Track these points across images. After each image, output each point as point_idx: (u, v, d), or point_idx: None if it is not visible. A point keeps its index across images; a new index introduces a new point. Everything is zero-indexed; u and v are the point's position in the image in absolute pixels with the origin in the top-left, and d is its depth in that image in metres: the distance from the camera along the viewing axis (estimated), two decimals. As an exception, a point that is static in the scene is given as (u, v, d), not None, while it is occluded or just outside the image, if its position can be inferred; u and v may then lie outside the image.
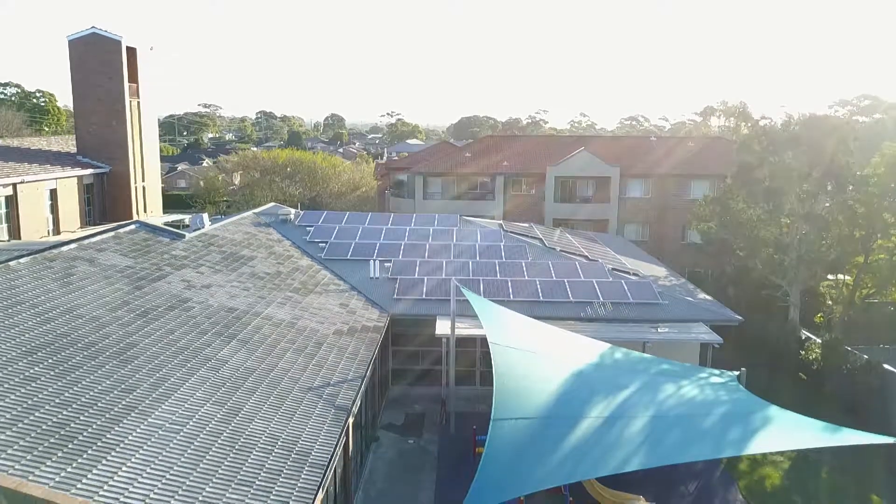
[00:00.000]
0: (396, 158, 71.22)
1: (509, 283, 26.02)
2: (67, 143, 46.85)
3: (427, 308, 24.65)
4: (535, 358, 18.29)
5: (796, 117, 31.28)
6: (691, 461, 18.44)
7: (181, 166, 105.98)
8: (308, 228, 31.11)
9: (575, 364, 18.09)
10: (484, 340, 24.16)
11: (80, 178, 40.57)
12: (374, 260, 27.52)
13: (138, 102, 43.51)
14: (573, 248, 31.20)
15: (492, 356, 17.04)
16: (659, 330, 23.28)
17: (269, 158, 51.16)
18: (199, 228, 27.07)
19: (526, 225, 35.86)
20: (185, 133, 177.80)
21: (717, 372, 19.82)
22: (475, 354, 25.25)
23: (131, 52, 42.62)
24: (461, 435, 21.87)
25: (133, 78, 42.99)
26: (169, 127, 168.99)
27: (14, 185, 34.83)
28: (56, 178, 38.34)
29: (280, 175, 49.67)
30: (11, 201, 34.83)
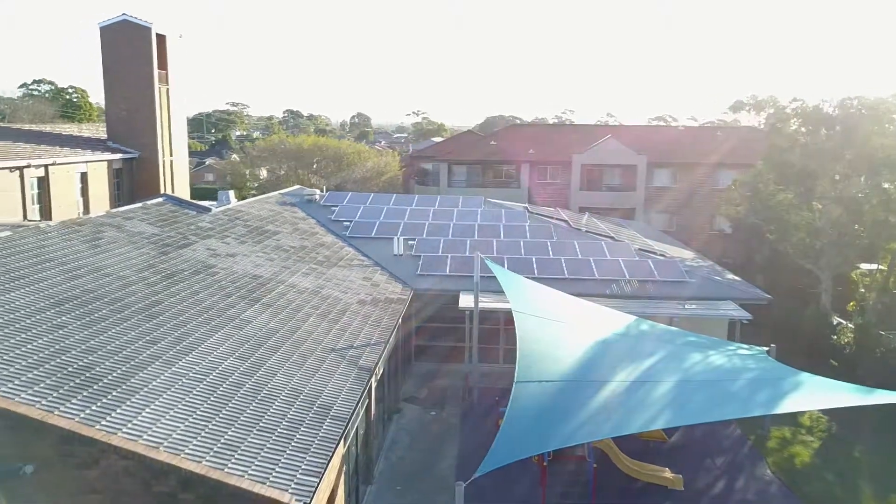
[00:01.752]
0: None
1: (534, 261, 25.79)
2: (98, 130, 47.56)
3: (450, 284, 24.54)
4: (558, 326, 18.09)
5: (830, 99, 30.63)
6: (719, 420, 18.19)
7: (209, 161, 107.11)
8: (333, 208, 31.19)
9: (599, 333, 17.87)
10: (508, 318, 24.06)
11: (109, 162, 41.14)
12: (398, 238, 27.46)
13: (167, 89, 43.99)
14: (599, 230, 30.87)
15: (515, 324, 16.88)
16: (686, 307, 22.89)
17: (294, 144, 51.48)
18: (225, 205, 27.24)
19: (551, 209, 35.59)
20: (212, 130, 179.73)
21: (745, 346, 19.45)
22: (498, 332, 25.07)
23: (161, 39, 43.10)
24: (483, 408, 21.72)
25: (162, 65, 43.45)
26: (197, 124, 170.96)
27: (46, 166, 35.42)
28: (86, 162, 38.94)
29: (306, 168, 49.88)
30: (44, 183, 35.41)
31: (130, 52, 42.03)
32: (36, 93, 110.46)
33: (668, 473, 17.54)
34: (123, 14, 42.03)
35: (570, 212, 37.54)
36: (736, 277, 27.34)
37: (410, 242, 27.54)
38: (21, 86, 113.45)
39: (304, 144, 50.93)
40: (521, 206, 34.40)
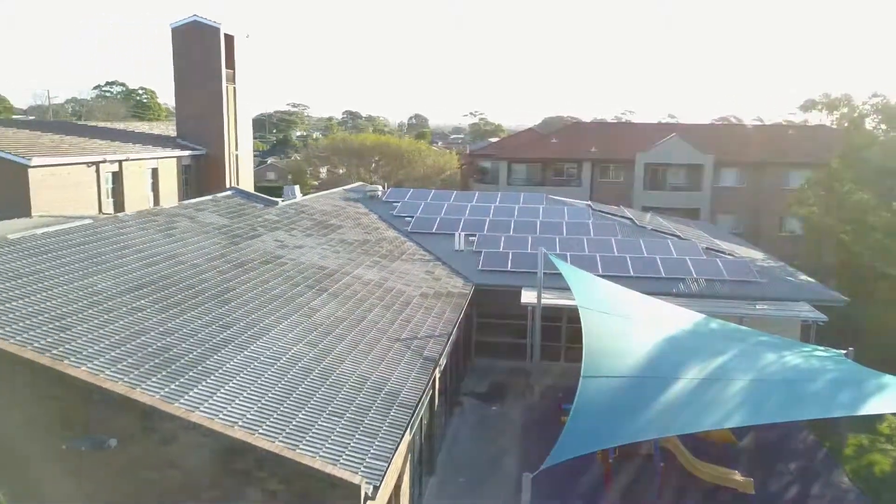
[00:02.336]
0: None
1: (598, 258, 25.41)
2: (168, 129, 49.20)
3: (512, 279, 24.37)
4: (625, 322, 17.74)
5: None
6: (799, 419, 17.56)
7: (270, 160, 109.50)
8: (394, 204, 31.42)
9: (667, 330, 17.44)
10: (570, 315, 23.78)
11: (178, 158, 42.50)
12: (459, 233, 27.45)
13: (234, 88, 45.15)
14: (665, 228, 30.21)
15: (581, 319, 16.61)
16: (757, 307, 22.16)
17: (356, 141, 52.19)
18: (291, 199, 27.76)
19: (615, 207, 35.03)
20: (274, 131, 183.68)
21: (821, 348, 18.69)
22: (560, 330, 24.78)
23: (229, 39, 44.26)
24: (546, 405, 21.47)
25: (230, 64, 44.62)
26: (259, 124, 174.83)
27: (120, 162, 36.81)
28: (157, 158, 40.31)
29: (366, 167, 50.51)
30: (118, 177, 36.81)
31: (200, 51, 43.30)
32: (108, 94, 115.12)
33: (738, 476, 17.00)
34: (194, 15, 43.33)
35: (634, 210, 36.85)
36: (809, 279, 26.34)
37: (471, 238, 27.50)
38: (95, 87, 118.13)
39: (366, 142, 51.60)
40: (583, 203, 33.96)
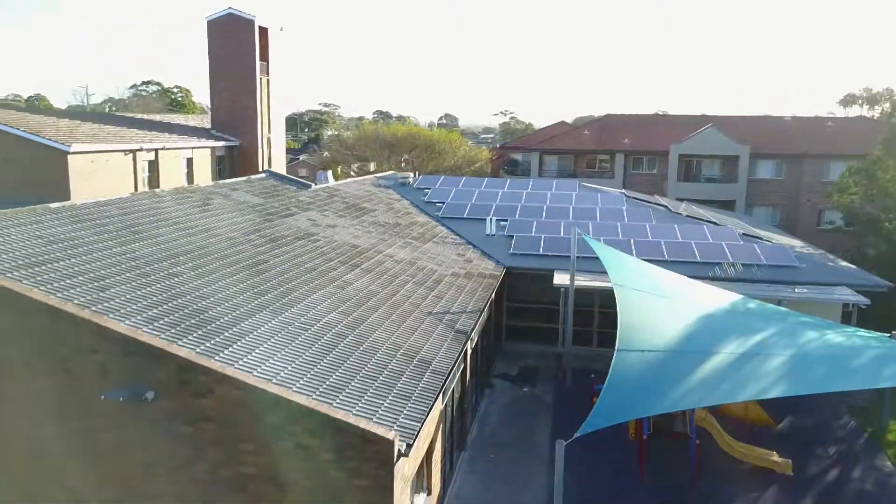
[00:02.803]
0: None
1: (631, 243, 25.09)
2: (203, 121, 49.92)
3: (544, 263, 24.19)
4: (660, 300, 17.46)
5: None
6: (843, 390, 17.13)
7: (302, 157, 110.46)
8: (426, 190, 31.42)
9: (704, 308, 17.11)
10: (602, 300, 23.51)
11: (213, 149, 43.08)
12: (491, 218, 27.33)
13: (268, 80, 45.62)
14: (700, 215, 29.73)
15: (616, 296, 16.38)
16: (796, 290, 21.66)
17: (388, 132, 52.40)
18: (323, 183, 27.92)
19: (649, 196, 34.59)
20: (306, 130, 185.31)
21: (863, 330, 18.18)
22: (593, 314, 24.51)
23: (263, 31, 44.76)
24: (578, 388, 21.20)
25: (264, 56, 45.12)
26: (291, 123, 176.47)
27: (156, 150, 37.44)
28: (192, 148, 40.91)
29: (397, 160, 50.64)
30: (153, 166, 37.43)
31: (235, 44, 43.84)
32: (145, 93, 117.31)
33: (776, 457, 16.59)
34: (229, 8, 43.86)
35: (669, 199, 36.35)
36: (850, 265, 25.68)
37: (503, 223, 27.37)
38: (131, 87, 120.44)
39: (398, 133, 51.75)
40: (617, 190, 33.58)
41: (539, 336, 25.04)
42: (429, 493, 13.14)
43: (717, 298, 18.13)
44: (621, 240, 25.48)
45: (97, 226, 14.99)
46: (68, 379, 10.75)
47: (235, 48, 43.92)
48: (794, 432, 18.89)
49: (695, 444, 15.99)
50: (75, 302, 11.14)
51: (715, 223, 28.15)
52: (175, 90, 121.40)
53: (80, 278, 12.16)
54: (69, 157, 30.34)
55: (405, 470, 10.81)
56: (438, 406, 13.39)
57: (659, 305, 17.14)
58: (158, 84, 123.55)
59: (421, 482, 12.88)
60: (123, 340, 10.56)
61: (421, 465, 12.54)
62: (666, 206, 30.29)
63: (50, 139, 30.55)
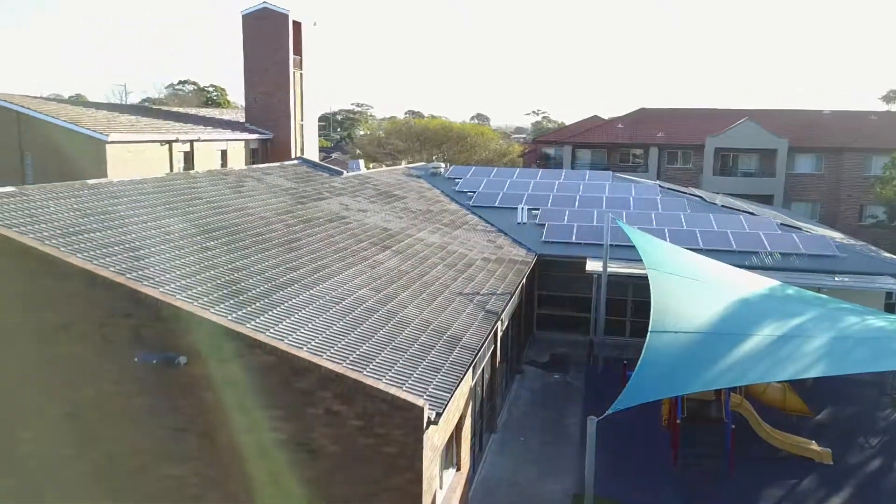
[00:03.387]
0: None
1: (666, 232, 24.68)
2: (238, 115, 50.55)
3: (576, 251, 23.93)
4: (696, 284, 17.13)
5: None
6: (886, 370, 16.59)
7: (334, 155, 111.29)
8: (457, 180, 31.34)
9: (740, 292, 16.74)
10: (636, 289, 23.18)
11: (246, 142, 43.61)
12: (522, 207, 27.15)
13: (301, 74, 45.99)
14: (736, 206, 29.16)
15: (649, 280, 16.12)
16: (836, 279, 21.08)
17: (420, 125, 52.46)
18: (355, 171, 28.03)
19: (684, 188, 34.05)
20: (338, 129, 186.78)
21: (907, 319, 17.60)
22: (626, 303, 24.19)
23: (297, 26, 45.14)
24: (609, 375, 20.92)
25: (297, 51, 45.50)
26: (324, 123, 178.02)
27: (191, 142, 38.04)
28: (226, 140, 41.47)
29: (428, 153, 50.71)
30: (189, 157, 38.01)
31: (269, 37, 44.28)
32: (181, 92, 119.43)
33: (815, 446, 16.17)
34: (264, 2, 44.32)
35: (705, 191, 35.75)
36: (893, 255, 24.95)
37: (534, 212, 27.17)
38: (168, 86, 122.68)
39: (430, 125, 51.78)
40: (651, 181, 33.11)
41: (570, 325, 24.80)
42: (458, 469, 13.05)
43: (754, 283, 17.73)
44: (655, 228, 25.06)
45: (133, 201, 15.20)
46: (103, 343, 10.90)
47: (269, 42, 44.35)
48: (834, 422, 18.39)
49: (731, 430, 15.63)
50: (111, 269, 11.29)
51: (752, 213, 27.58)
52: (210, 89, 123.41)
53: (116, 248, 12.32)
54: (107, 146, 30.94)
55: (434, 439, 10.73)
56: (468, 381, 13.29)
57: (694, 289, 16.82)
58: (195, 84, 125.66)
59: (450, 457, 12.81)
60: (157, 305, 10.67)
61: (450, 439, 12.46)
62: (701, 197, 29.78)
63: (89, 129, 31.21)
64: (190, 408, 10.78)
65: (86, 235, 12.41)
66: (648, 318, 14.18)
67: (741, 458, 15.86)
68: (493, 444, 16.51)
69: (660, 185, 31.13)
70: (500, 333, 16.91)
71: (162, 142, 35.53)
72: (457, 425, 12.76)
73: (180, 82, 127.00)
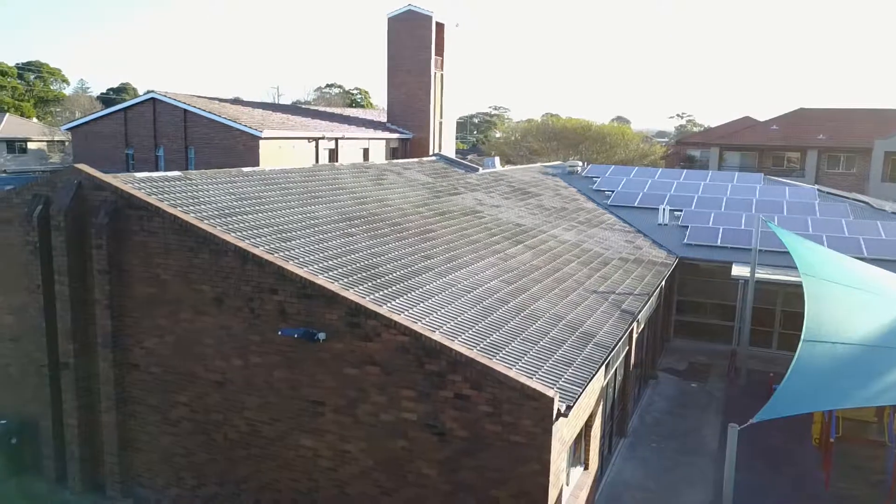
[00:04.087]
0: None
1: (824, 238, 22.75)
2: (380, 115, 52.40)
3: (721, 255, 22.63)
4: (857, 293, 15.64)
5: None
6: None
7: (469, 157, 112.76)
8: (595, 179, 30.65)
9: (912, 305, 15.07)
10: (786, 298, 21.57)
11: (387, 141, 45.07)
12: (664, 207, 26.06)
13: (441, 75, 46.85)
14: (908, 214, 26.37)
15: (804, 287, 14.91)
16: None
17: (558, 124, 51.83)
18: (490, 168, 28.14)
19: (847, 193, 31.30)
20: (475, 132, 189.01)
21: None
22: (774, 313, 22.56)
23: (439, 27, 46.04)
24: (752, 387, 19.61)
25: (439, 51, 46.40)
26: (461, 125, 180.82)
27: (336, 139, 39.89)
28: (368, 139, 43.10)
29: (564, 154, 50.02)
30: (333, 153, 39.87)
31: (412, 39, 45.46)
32: (328, 95, 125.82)
33: None
34: (409, 4, 45.56)
35: (872, 198, 32.69)
36: None
37: (677, 213, 26.00)
38: (316, 89, 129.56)
39: (568, 125, 51.04)
40: (808, 185, 30.72)
41: (711, 333, 23.48)
42: (586, 468, 12.69)
43: (928, 296, 15.93)
44: (812, 234, 23.18)
45: (282, 188, 16.10)
46: (251, 316, 11.59)
47: (412, 43, 45.48)
48: None
49: (894, 454, 14.12)
50: (261, 248, 11.99)
51: (927, 222, 24.82)
52: (355, 91, 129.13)
53: (266, 229, 13.08)
54: (261, 141, 33.13)
55: (563, 433, 10.49)
56: (600, 379, 12.90)
57: (854, 298, 15.39)
58: (340, 86, 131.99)
59: (578, 454, 12.48)
60: (301, 283, 11.19)
61: (579, 436, 12.15)
62: (867, 203, 27.22)
63: (246, 125, 33.53)
64: (326, 382, 11.22)
65: (240, 217, 13.27)
66: (800, 328, 13.12)
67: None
68: (622, 449, 15.93)
69: (818, 190, 28.79)
70: (635, 335, 16.30)
71: (309, 139, 37.51)
72: (586, 423, 12.42)
73: (327, 85, 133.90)
